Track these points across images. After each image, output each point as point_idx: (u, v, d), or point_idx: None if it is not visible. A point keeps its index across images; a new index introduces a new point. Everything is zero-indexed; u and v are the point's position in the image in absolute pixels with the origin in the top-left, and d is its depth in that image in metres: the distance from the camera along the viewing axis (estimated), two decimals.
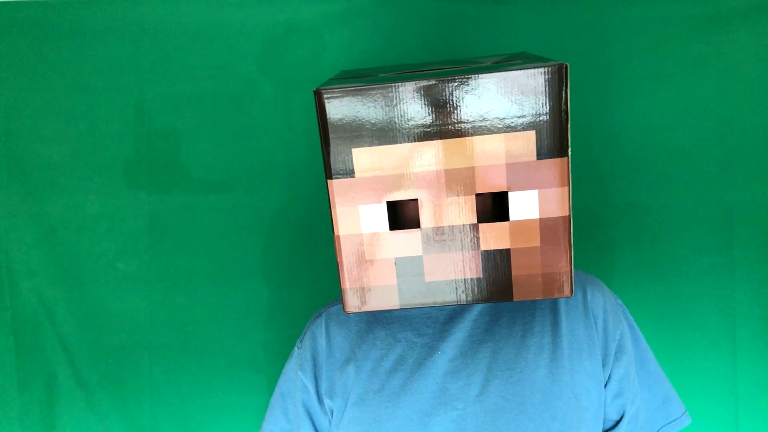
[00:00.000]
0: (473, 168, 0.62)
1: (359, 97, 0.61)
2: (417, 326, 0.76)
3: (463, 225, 0.64)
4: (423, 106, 0.61)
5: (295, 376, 0.82)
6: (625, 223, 1.14)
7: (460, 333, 0.75)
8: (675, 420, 0.82)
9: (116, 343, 1.23)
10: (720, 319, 1.15)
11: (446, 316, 0.76)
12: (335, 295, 0.89)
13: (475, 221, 0.64)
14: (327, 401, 0.78)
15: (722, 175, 1.11)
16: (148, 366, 1.24)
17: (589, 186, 1.12)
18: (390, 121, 0.61)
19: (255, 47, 1.13)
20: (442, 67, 0.71)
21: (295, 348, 0.84)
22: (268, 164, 1.16)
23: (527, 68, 0.59)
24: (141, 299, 1.22)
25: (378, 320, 0.78)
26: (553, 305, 0.76)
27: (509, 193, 0.63)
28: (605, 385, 0.76)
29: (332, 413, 0.78)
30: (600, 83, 1.10)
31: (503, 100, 0.60)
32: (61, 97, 1.16)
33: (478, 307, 0.76)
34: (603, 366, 0.75)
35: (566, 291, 0.65)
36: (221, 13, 1.13)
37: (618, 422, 0.78)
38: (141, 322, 1.22)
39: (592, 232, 1.14)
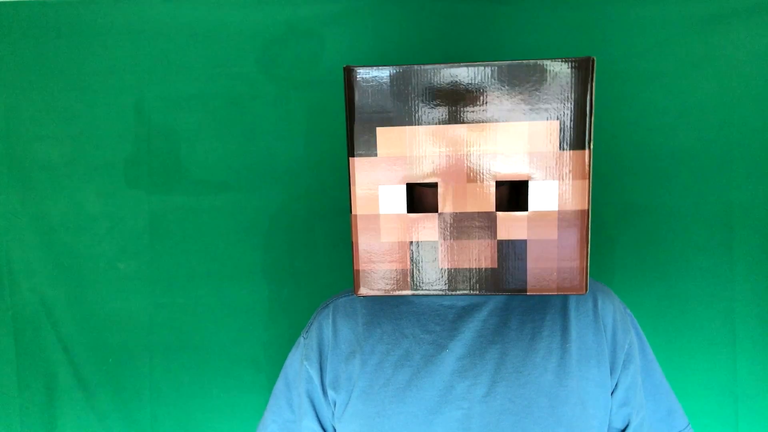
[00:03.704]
0: (495, 154, 0.62)
1: (389, 76, 0.61)
2: (425, 323, 0.76)
3: (481, 213, 0.63)
4: (451, 90, 0.61)
5: (300, 366, 0.82)
6: (625, 223, 1.14)
7: (468, 332, 0.74)
8: None
9: (116, 343, 1.23)
10: (720, 319, 1.15)
11: (455, 315, 0.76)
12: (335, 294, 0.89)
13: (494, 209, 0.63)
14: (331, 393, 0.78)
15: (722, 175, 1.11)
16: (148, 366, 1.24)
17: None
18: (417, 103, 0.62)
19: (255, 47, 1.13)
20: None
21: (301, 338, 0.84)
22: (268, 164, 1.16)
23: (555, 59, 0.60)
24: (141, 299, 1.22)
25: (385, 314, 0.78)
26: (564, 310, 0.76)
27: (529, 183, 0.62)
28: (612, 393, 0.76)
29: (335, 405, 0.78)
30: (600, 83, 1.10)
31: (530, 89, 0.60)
32: (61, 97, 1.16)
33: (488, 308, 0.76)
34: (611, 374, 0.75)
35: (581, 288, 0.64)
36: (221, 13, 1.13)
37: (623, 431, 0.78)
38: (141, 322, 1.22)
39: (593, 232, 1.14)
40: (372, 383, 0.74)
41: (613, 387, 0.76)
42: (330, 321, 0.80)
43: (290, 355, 0.85)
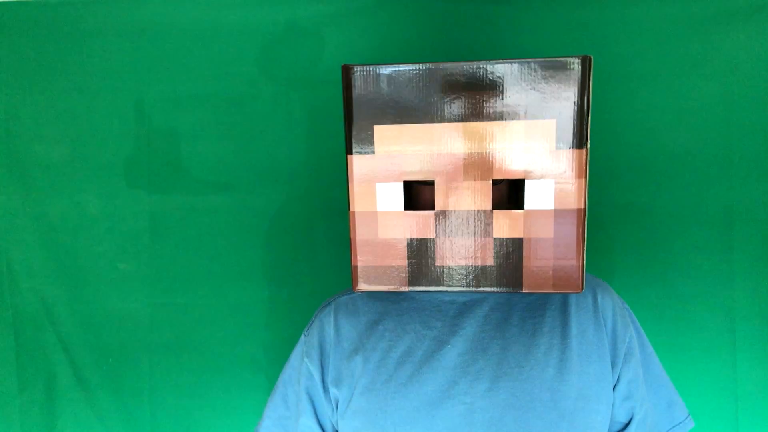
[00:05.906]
0: (492, 153, 0.62)
1: (386, 75, 0.62)
2: (426, 319, 0.76)
3: (478, 210, 0.64)
4: (447, 89, 0.61)
5: (300, 364, 0.82)
6: (625, 223, 1.14)
7: (470, 328, 0.75)
8: (679, 423, 0.83)
9: (116, 343, 1.23)
10: (720, 319, 1.15)
11: (456, 311, 0.76)
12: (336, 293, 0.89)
13: (490, 207, 0.64)
14: (333, 390, 0.78)
15: (722, 175, 1.11)
16: (148, 366, 1.24)
17: (589, 186, 1.11)
18: (414, 101, 0.62)
19: (255, 47, 1.13)
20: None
21: (302, 336, 0.84)
22: (268, 164, 1.17)
23: (552, 59, 0.60)
24: (141, 299, 1.22)
25: (387, 311, 0.79)
26: (564, 306, 0.76)
27: (525, 182, 0.63)
28: (614, 388, 0.76)
29: (337, 402, 0.78)
30: (600, 83, 1.10)
31: (527, 87, 0.60)
32: (61, 97, 1.16)
33: (489, 304, 0.76)
34: (612, 368, 0.76)
35: (576, 286, 0.65)
36: (221, 13, 1.13)
37: (627, 425, 0.78)
38: (141, 322, 1.22)
39: (592, 232, 1.14)
40: (374, 380, 0.75)
41: (615, 381, 0.76)
42: (332, 319, 0.81)
43: (292, 353, 0.85)
